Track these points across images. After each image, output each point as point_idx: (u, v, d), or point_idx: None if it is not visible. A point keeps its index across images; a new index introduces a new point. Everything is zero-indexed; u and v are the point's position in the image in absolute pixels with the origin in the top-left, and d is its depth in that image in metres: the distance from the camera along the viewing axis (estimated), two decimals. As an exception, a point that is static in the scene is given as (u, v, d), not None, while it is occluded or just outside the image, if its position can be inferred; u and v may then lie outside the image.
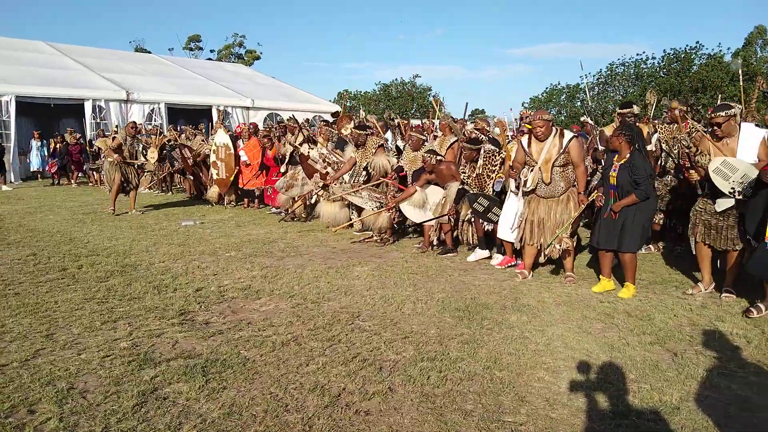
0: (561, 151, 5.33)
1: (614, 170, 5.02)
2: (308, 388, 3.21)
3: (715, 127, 4.86)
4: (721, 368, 3.53)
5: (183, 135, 13.14)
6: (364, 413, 2.96)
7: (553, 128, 5.45)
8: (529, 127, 5.46)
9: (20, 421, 2.82)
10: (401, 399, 3.11)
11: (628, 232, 4.97)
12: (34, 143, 16.94)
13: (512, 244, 6.00)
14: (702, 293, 5.07)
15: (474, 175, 6.32)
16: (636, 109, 6.44)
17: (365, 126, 8.20)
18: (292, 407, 3.01)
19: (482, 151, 6.29)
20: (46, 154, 17.03)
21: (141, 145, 10.33)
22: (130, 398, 3.05)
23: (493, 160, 6.25)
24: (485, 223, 6.18)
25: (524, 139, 5.58)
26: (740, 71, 7.02)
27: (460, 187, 6.44)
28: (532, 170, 5.43)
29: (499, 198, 6.18)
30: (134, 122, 11.00)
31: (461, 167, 6.52)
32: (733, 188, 4.71)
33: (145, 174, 14.60)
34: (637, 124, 6.46)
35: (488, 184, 6.24)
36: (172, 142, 12.85)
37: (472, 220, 6.37)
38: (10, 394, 3.08)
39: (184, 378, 3.30)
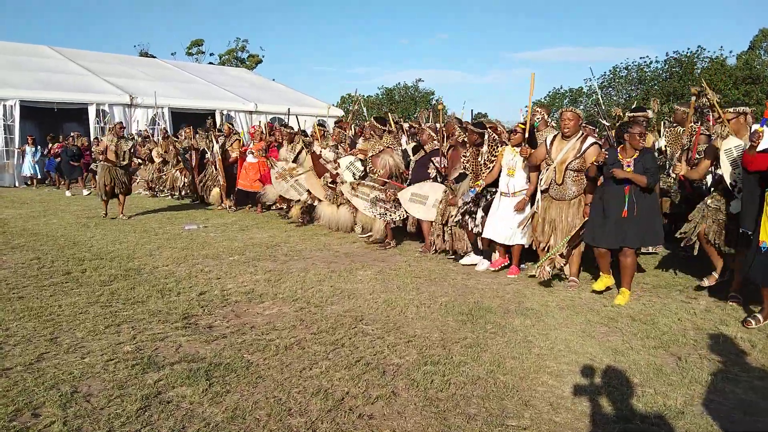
0: (577, 154, 5.28)
1: (628, 166, 4.86)
2: (311, 392, 3.21)
3: (722, 124, 4.91)
4: (725, 372, 3.52)
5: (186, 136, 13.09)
6: (368, 417, 2.96)
7: (581, 130, 5.42)
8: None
9: (24, 425, 2.82)
10: (405, 403, 3.11)
11: (650, 226, 4.89)
12: (28, 149, 16.72)
13: (503, 245, 5.98)
14: (717, 281, 5.03)
15: (481, 161, 6.20)
16: (650, 113, 6.39)
17: (384, 120, 8.22)
18: (295, 411, 3.01)
19: (487, 137, 6.23)
20: (36, 158, 16.87)
21: (131, 146, 10.20)
22: (133, 402, 3.05)
23: (494, 150, 6.16)
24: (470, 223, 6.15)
25: (549, 138, 5.55)
26: None
27: (461, 171, 6.43)
28: (547, 169, 5.43)
29: (478, 201, 6.15)
30: (121, 122, 10.92)
31: (464, 152, 6.48)
32: (735, 182, 4.71)
33: (138, 181, 14.62)
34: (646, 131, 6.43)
35: (484, 172, 6.19)
36: (185, 144, 12.82)
37: (463, 224, 6.32)
38: (14, 397, 3.09)
39: (187, 382, 3.30)
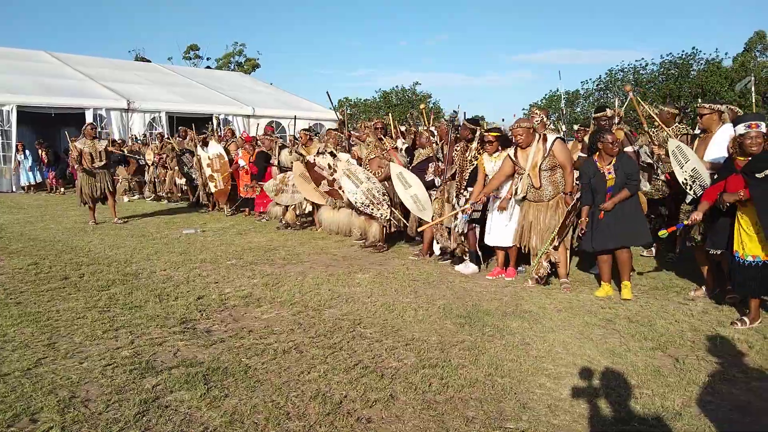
0: (545, 154, 5.41)
1: (609, 173, 5.05)
2: (310, 395, 3.22)
3: (698, 118, 5.08)
4: (723, 374, 3.53)
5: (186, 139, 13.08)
6: (366, 421, 2.96)
7: (536, 134, 5.53)
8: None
9: (22, 430, 2.82)
10: (403, 406, 3.11)
11: (636, 225, 5.07)
12: (19, 156, 16.59)
13: (504, 253, 5.98)
14: (704, 296, 5.09)
15: (469, 156, 6.22)
16: (609, 112, 6.46)
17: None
18: (293, 415, 3.01)
19: (478, 133, 6.26)
20: (29, 166, 16.79)
21: (105, 146, 10.05)
22: (131, 407, 3.05)
23: (481, 149, 6.16)
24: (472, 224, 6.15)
25: (511, 151, 5.65)
26: (751, 87, 7.06)
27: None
28: (521, 178, 5.49)
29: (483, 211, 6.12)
30: (92, 124, 10.74)
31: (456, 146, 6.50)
32: (686, 180, 4.93)
33: (120, 181, 14.52)
34: (613, 128, 6.44)
35: (467, 169, 6.18)
36: (182, 147, 12.81)
37: (465, 231, 6.30)
38: (12, 403, 3.08)
39: (185, 386, 3.30)
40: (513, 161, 5.59)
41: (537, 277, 5.48)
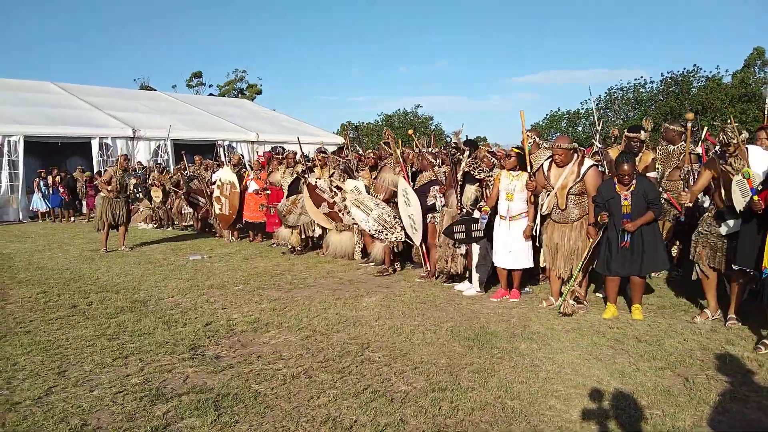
0: (577, 179, 5.35)
1: (625, 199, 4.99)
2: (320, 420, 3.22)
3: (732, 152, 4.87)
4: (733, 392, 3.52)
5: (194, 166, 13.22)
6: (377, 445, 2.96)
7: (575, 155, 5.48)
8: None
9: (35, 460, 2.83)
10: (413, 430, 3.11)
11: (656, 253, 5.04)
12: (41, 183, 16.80)
13: (507, 273, 5.96)
14: (709, 320, 5.02)
15: (458, 175, 6.29)
16: (643, 135, 6.39)
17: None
18: (304, 440, 3.01)
19: (466, 154, 6.29)
20: (48, 192, 17.04)
21: (132, 179, 10.37)
22: (143, 435, 3.06)
23: (459, 166, 6.26)
24: (470, 243, 6.16)
25: (546, 164, 5.60)
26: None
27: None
28: (548, 195, 5.48)
29: (488, 227, 6.06)
30: (126, 155, 11.13)
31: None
32: (744, 208, 4.66)
33: (141, 210, 14.69)
34: (643, 150, 6.42)
35: (456, 189, 6.27)
36: (189, 174, 12.94)
37: (464, 252, 6.32)
38: (24, 432, 3.10)
39: (196, 413, 3.31)
40: (544, 175, 5.53)
41: (563, 312, 5.33)
